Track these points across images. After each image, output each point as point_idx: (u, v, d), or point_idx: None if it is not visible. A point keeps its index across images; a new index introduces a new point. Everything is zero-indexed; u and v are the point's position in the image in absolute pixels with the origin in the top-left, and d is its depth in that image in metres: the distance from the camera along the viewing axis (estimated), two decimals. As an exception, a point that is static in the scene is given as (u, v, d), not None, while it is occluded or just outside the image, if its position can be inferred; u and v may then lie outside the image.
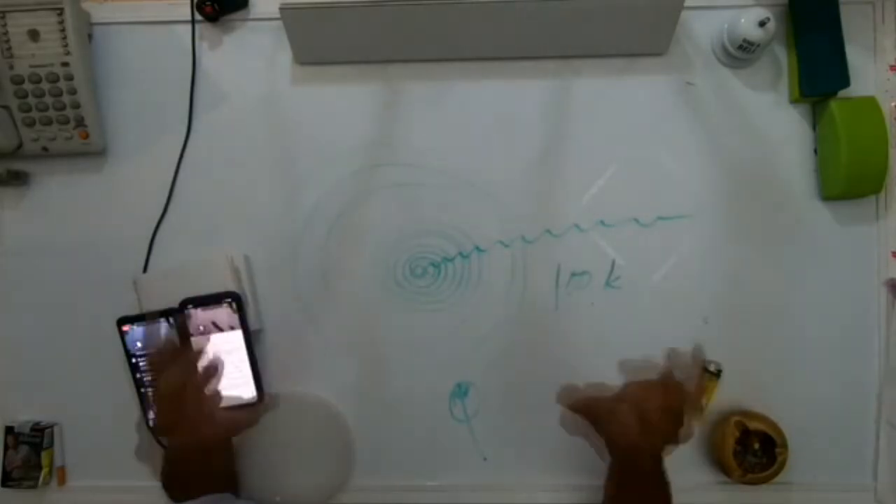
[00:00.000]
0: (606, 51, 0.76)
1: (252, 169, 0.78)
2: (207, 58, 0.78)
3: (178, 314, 0.74)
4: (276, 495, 0.77)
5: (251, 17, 0.78)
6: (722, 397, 0.76)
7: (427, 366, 0.78)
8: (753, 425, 0.72)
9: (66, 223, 0.78)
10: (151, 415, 0.76)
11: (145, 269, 0.78)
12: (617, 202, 0.77)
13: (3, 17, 0.71)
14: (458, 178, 0.77)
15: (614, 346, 0.76)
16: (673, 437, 0.62)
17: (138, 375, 0.75)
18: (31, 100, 0.73)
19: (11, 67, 0.72)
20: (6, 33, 0.71)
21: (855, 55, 0.73)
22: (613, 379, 0.71)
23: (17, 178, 0.77)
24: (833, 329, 0.76)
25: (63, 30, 0.71)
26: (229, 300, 0.74)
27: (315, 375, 0.78)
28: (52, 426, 0.78)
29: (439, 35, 0.73)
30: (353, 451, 0.78)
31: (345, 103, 0.77)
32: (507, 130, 0.77)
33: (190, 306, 0.74)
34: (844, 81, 0.72)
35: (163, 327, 0.75)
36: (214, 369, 0.71)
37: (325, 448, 0.78)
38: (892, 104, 0.76)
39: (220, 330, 0.75)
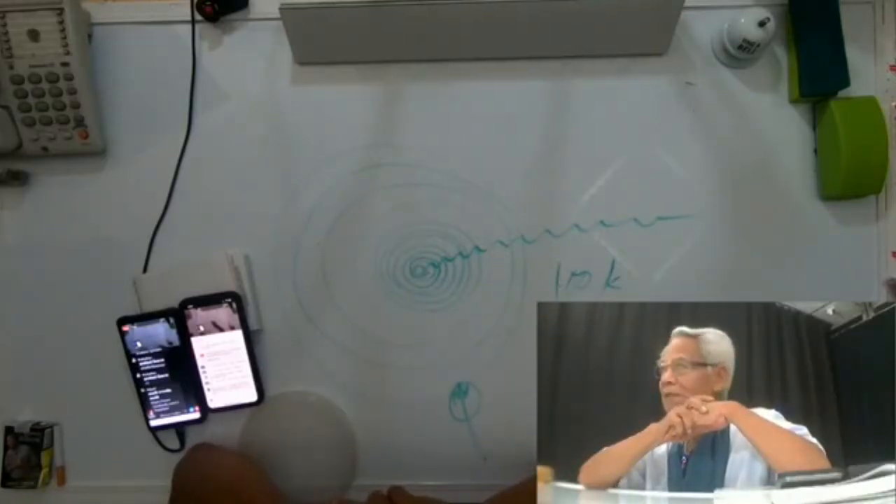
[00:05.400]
0: (606, 51, 0.76)
1: (252, 169, 0.78)
2: (207, 58, 0.78)
3: (178, 314, 0.75)
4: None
5: (251, 17, 0.78)
6: (722, 397, 0.76)
7: (427, 366, 0.78)
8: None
9: (66, 223, 0.78)
10: (151, 414, 0.76)
11: (145, 269, 0.78)
12: (617, 202, 0.77)
13: (3, 17, 0.71)
14: (458, 178, 0.77)
15: (614, 346, 0.77)
16: None
17: (138, 375, 0.75)
18: (30, 100, 0.73)
19: (11, 67, 0.72)
20: (6, 33, 0.71)
21: (855, 55, 0.73)
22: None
23: (17, 178, 0.77)
24: (833, 329, 0.76)
25: (63, 30, 0.71)
26: (229, 300, 0.74)
27: (315, 375, 0.78)
28: (52, 426, 0.78)
29: (439, 35, 0.73)
30: (357, 450, 0.78)
31: (345, 103, 0.77)
32: (507, 130, 0.77)
33: (190, 306, 0.74)
34: (844, 81, 0.72)
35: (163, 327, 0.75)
36: None
37: (329, 447, 0.78)
38: (892, 104, 0.76)
39: (220, 330, 0.75)
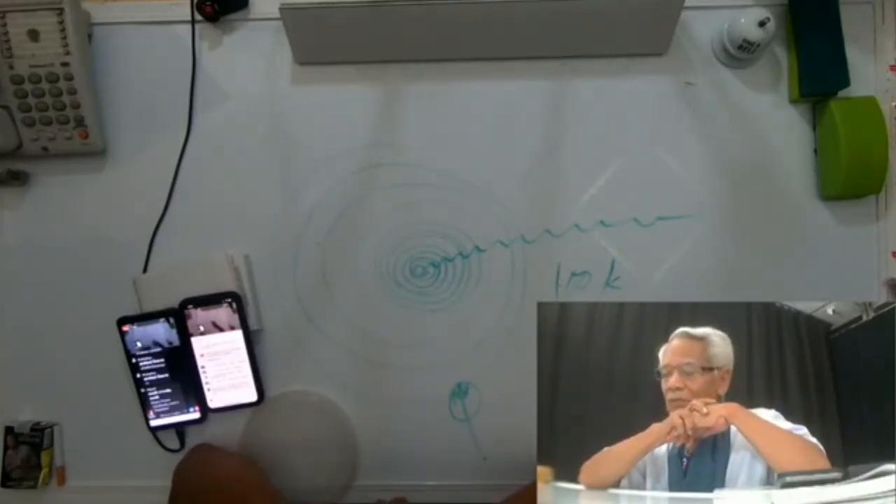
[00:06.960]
0: (606, 51, 0.76)
1: (252, 169, 0.78)
2: (207, 58, 0.78)
3: (178, 314, 0.75)
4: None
5: (251, 17, 0.78)
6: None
7: (427, 366, 0.78)
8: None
9: (66, 223, 0.78)
10: (151, 414, 0.76)
11: (145, 269, 0.78)
12: (617, 202, 0.77)
13: (3, 17, 0.71)
14: (458, 178, 0.77)
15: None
16: None
17: (138, 375, 0.75)
18: (30, 100, 0.73)
19: (11, 67, 0.72)
20: (6, 33, 0.71)
21: (855, 55, 0.73)
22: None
23: (17, 178, 0.77)
24: (833, 329, 0.76)
25: (63, 30, 0.71)
26: (229, 300, 0.74)
27: (315, 375, 0.78)
28: (52, 426, 0.78)
29: (439, 35, 0.73)
30: (357, 450, 0.78)
31: (345, 103, 0.77)
32: (507, 130, 0.77)
33: (190, 306, 0.74)
34: (844, 81, 0.72)
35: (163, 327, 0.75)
36: None
37: (329, 447, 0.78)
38: (892, 104, 0.76)
39: (220, 330, 0.75)
